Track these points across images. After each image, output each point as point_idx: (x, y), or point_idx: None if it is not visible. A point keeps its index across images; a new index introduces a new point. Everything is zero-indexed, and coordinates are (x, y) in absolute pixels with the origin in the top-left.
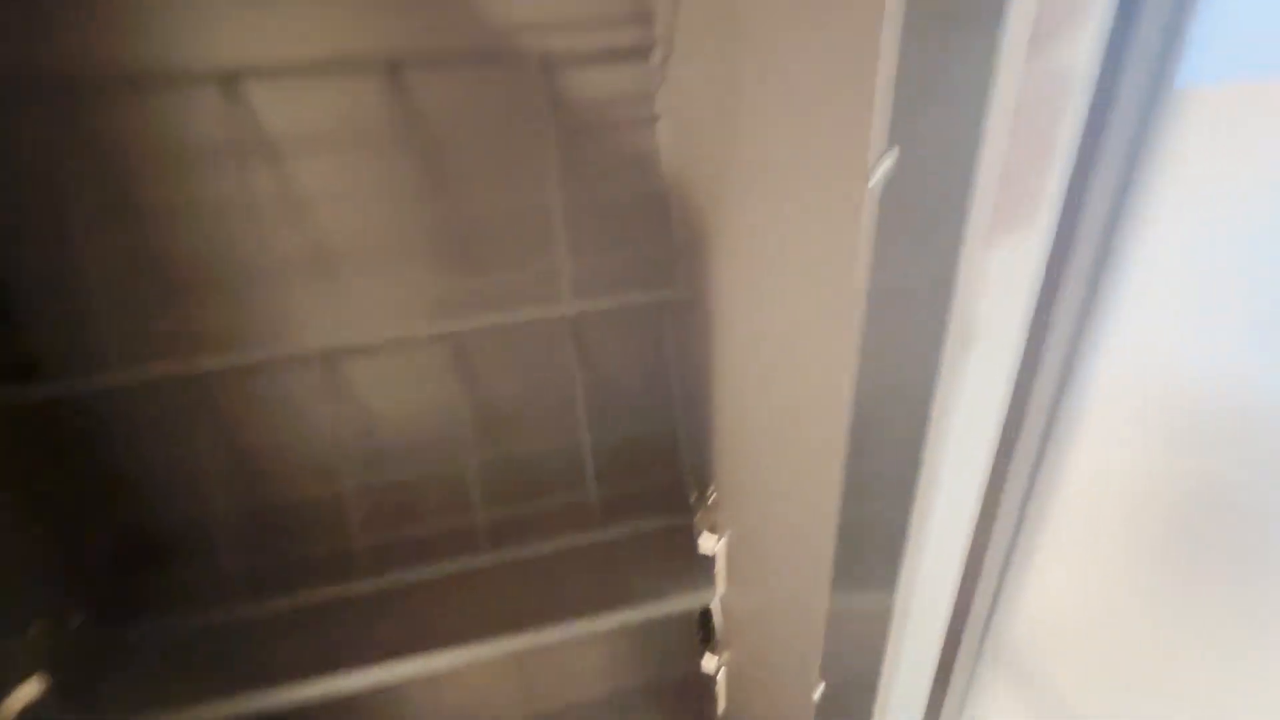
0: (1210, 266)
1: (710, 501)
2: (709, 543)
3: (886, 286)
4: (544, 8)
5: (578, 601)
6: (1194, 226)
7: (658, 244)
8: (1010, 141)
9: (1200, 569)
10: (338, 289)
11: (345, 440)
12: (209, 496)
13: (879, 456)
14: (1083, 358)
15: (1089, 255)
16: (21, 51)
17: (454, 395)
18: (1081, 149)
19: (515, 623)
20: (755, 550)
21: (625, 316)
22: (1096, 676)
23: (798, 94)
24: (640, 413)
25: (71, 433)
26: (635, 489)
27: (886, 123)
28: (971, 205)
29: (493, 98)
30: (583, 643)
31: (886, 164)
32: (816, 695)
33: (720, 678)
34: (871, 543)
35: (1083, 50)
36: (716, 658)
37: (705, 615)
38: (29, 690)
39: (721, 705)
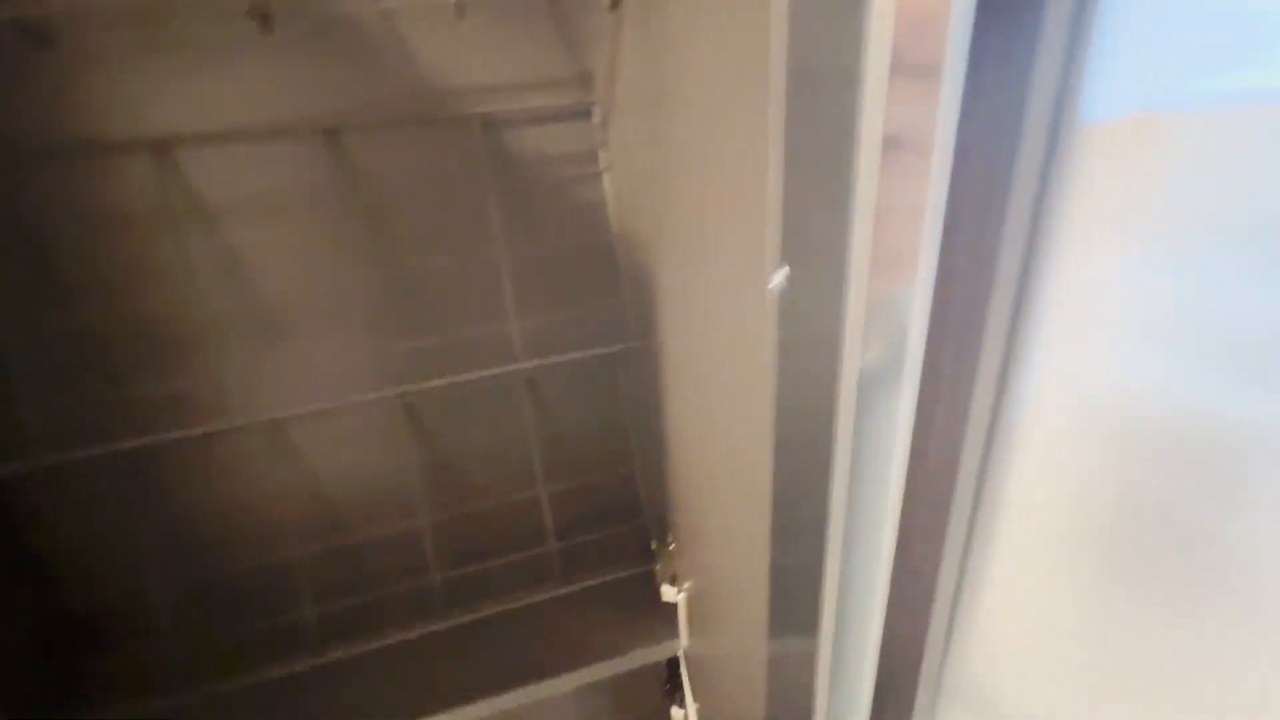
0: (1127, 289)
1: (670, 550)
2: (670, 593)
3: (791, 338)
4: (484, 72)
5: (540, 663)
6: (1106, 251)
7: (609, 296)
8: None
9: (1139, 581)
10: (283, 355)
11: (292, 507)
12: (146, 575)
13: (798, 503)
14: (1013, 381)
15: (1010, 285)
16: None
17: (406, 456)
18: (995, 184)
19: (476, 691)
20: (711, 599)
21: (579, 368)
22: (1056, 698)
23: (710, 178)
24: (599, 463)
25: None
26: (596, 540)
27: (778, 242)
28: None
29: (436, 158)
30: (545, 704)
31: (779, 276)
32: None
33: None
34: (798, 588)
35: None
36: (684, 710)
37: (672, 666)
38: None
39: None
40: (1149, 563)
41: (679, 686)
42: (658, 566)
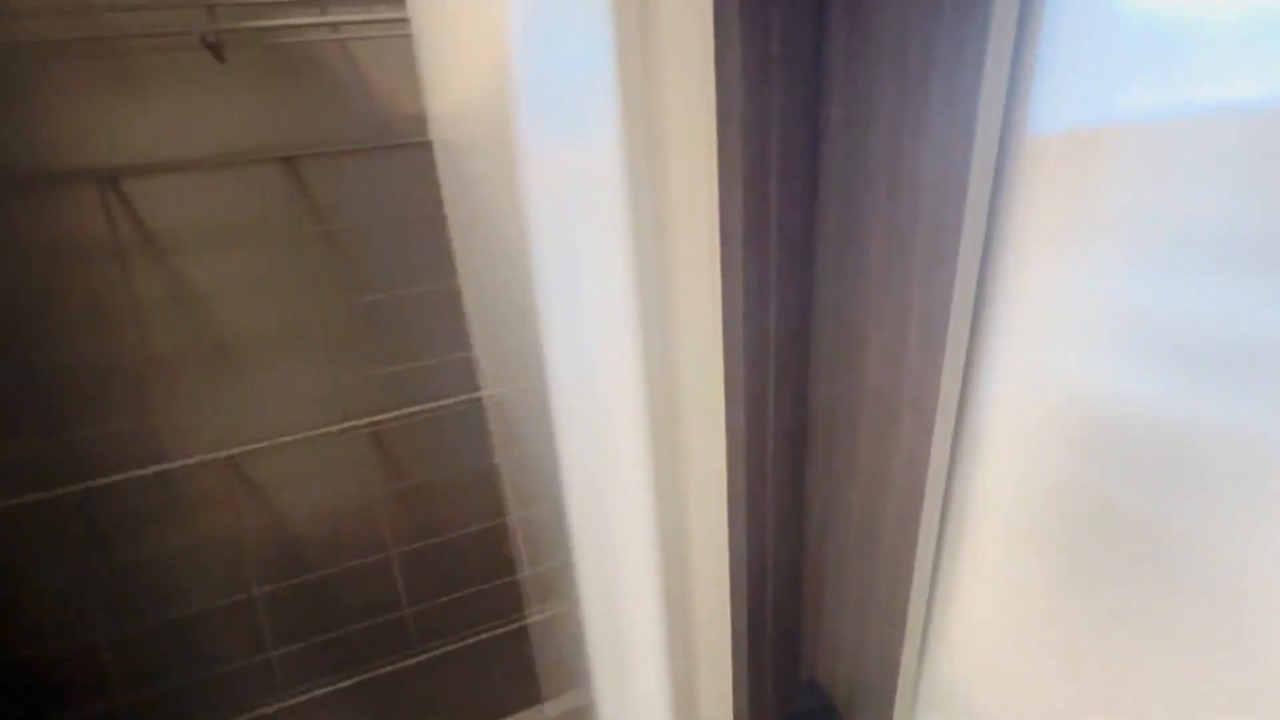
0: (1077, 294)
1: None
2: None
3: None
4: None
5: (507, 697)
6: (1055, 257)
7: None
8: None
9: (1098, 581)
10: (239, 386)
11: (252, 543)
12: (97, 623)
13: None
14: (975, 386)
15: (969, 293)
16: None
17: (369, 486)
18: (949, 199)
19: None
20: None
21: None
22: (1032, 703)
23: None
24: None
25: None
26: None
27: None
28: None
29: (391, 185)
30: None
31: None
32: None
33: None
34: None
35: None
36: None
37: None
38: None
39: None
40: (1107, 562)
41: None
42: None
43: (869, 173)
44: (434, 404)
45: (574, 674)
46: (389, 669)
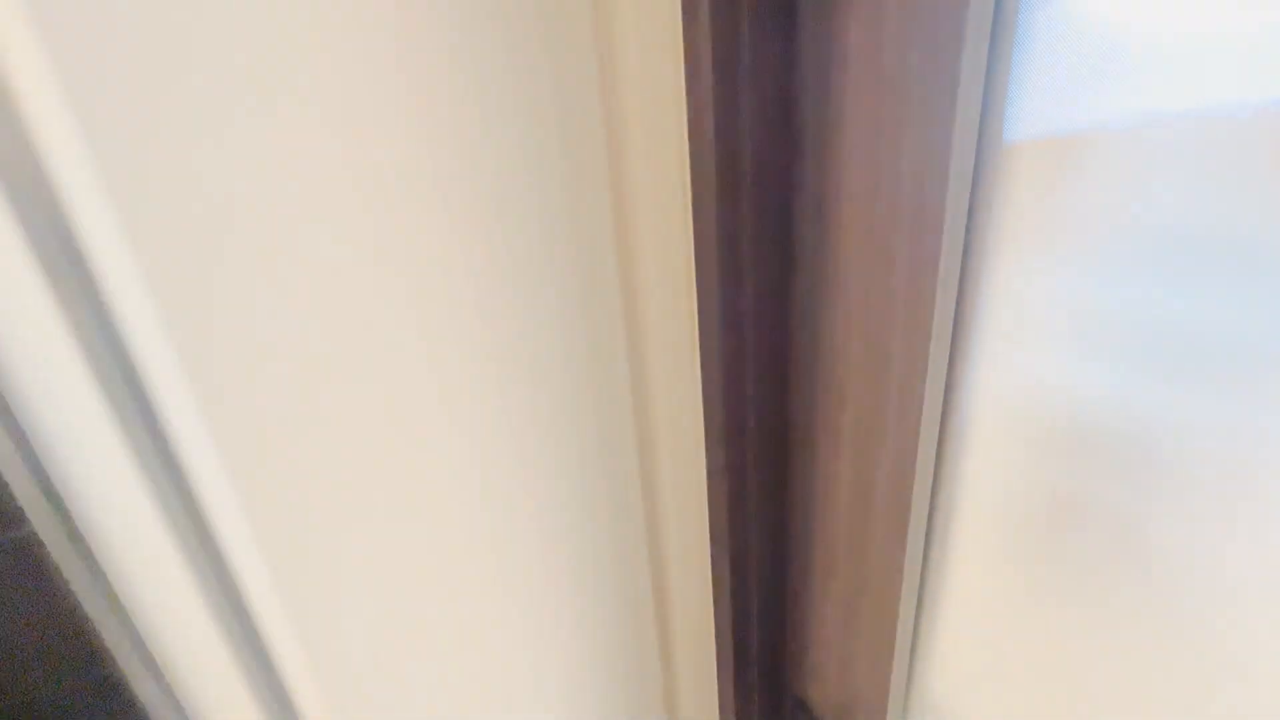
0: (1052, 300)
1: None
2: None
3: None
4: None
5: None
6: (1026, 265)
7: None
8: None
9: (1071, 581)
10: None
11: None
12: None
13: None
14: (958, 393)
15: (950, 295)
16: None
17: None
18: (929, 203)
19: None
20: None
21: None
22: (1016, 712)
23: None
24: None
25: None
26: None
27: None
28: None
29: None
30: None
31: None
32: None
33: None
34: None
35: None
36: None
37: None
38: None
39: None
40: (1081, 563)
41: None
42: None
43: (844, 185)
44: None
45: None
46: None
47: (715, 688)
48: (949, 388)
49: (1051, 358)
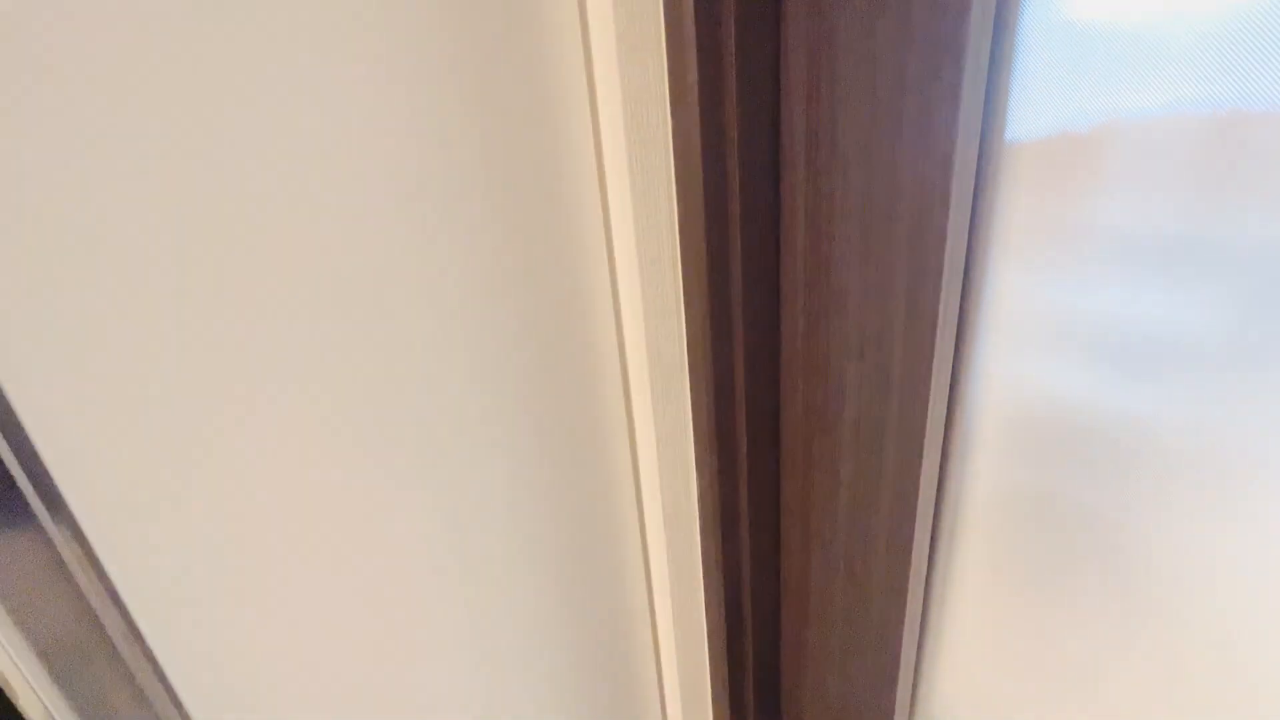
0: (1053, 300)
1: None
2: None
3: None
4: None
5: None
6: (1025, 264)
7: None
8: None
9: (1076, 585)
10: None
11: None
12: None
13: None
14: (961, 399)
15: (953, 302)
16: None
17: None
18: (933, 199)
19: None
20: None
21: None
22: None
23: None
24: None
25: None
26: None
27: None
28: None
29: None
30: None
31: None
32: None
33: None
34: None
35: None
36: None
37: None
38: None
39: None
40: (1091, 574)
41: None
42: None
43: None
44: None
45: None
46: None
47: (710, 713)
48: (951, 401)
49: (1053, 358)
